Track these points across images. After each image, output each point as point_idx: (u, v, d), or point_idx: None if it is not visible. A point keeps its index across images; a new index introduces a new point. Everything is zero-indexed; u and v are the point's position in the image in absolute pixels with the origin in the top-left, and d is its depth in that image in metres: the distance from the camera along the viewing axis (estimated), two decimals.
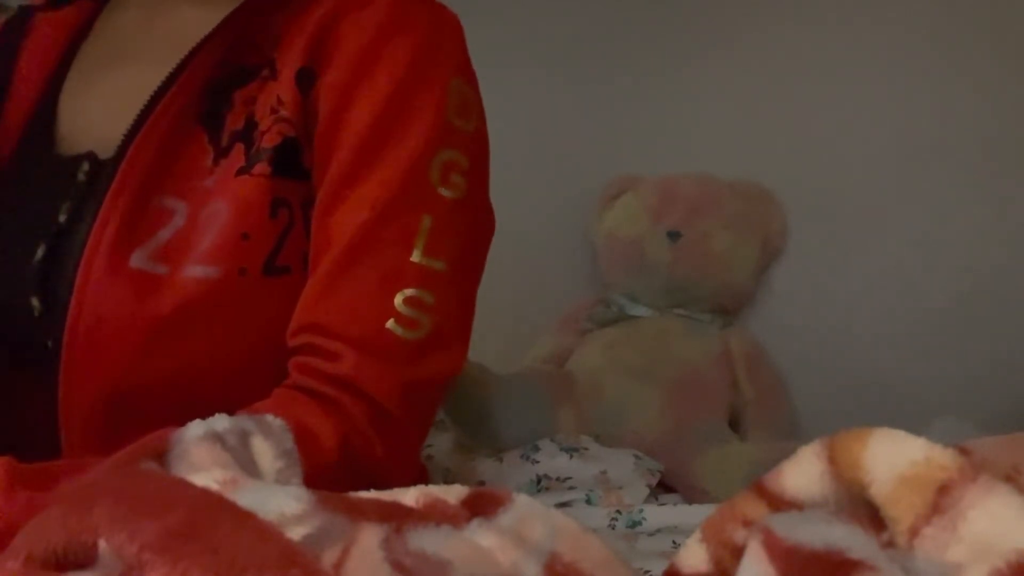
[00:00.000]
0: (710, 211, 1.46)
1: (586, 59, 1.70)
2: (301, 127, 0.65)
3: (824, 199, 1.52)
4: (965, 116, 1.43)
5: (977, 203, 1.42)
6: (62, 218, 0.63)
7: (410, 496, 0.33)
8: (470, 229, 0.67)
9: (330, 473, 0.56)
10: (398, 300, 0.61)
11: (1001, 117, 1.41)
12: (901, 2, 1.49)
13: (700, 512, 0.94)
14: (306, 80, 0.65)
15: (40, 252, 0.62)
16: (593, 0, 1.72)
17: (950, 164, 1.44)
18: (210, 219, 0.62)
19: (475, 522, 0.32)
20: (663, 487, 1.18)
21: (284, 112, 0.64)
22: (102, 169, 0.64)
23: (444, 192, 0.64)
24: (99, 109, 0.69)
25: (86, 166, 0.65)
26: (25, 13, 0.77)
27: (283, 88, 0.65)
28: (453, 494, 0.33)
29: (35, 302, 0.62)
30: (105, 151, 0.65)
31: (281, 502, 0.30)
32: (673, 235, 1.44)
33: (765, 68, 1.57)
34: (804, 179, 1.52)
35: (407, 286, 0.61)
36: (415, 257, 0.62)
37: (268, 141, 0.64)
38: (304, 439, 0.55)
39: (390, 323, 0.60)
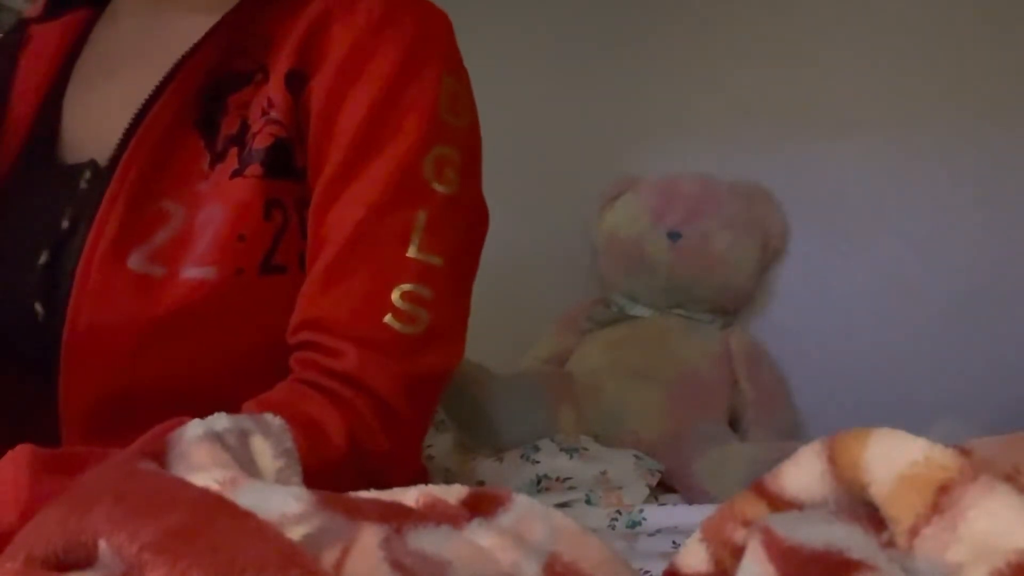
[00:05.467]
0: (710, 211, 1.46)
1: (586, 59, 1.70)
2: (293, 128, 0.65)
3: (824, 199, 1.52)
4: (965, 116, 1.43)
5: (977, 203, 1.42)
6: (64, 224, 0.63)
7: (410, 496, 0.33)
8: (465, 224, 0.67)
9: (339, 467, 0.56)
10: (395, 295, 0.61)
11: (1001, 118, 1.41)
12: (902, 2, 1.49)
13: (700, 512, 0.93)
14: (297, 82, 0.65)
15: (43, 258, 0.63)
16: (593, 0, 1.72)
17: (950, 164, 1.44)
18: (206, 222, 0.63)
19: (475, 522, 0.32)
20: (663, 487, 1.18)
21: (274, 114, 0.65)
22: (102, 175, 0.64)
23: (438, 188, 0.64)
24: (98, 117, 0.69)
25: (88, 174, 0.65)
26: (22, 25, 0.78)
27: (273, 90, 0.65)
28: (453, 494, 0.33)
29: (38, 307, 0.62)
30: (105, 157, 0.65)
31: (281, 502, 0.30)
32: (673, 235, 1.44)
33: (766, 68, 1.57)
34: (804, 179, 1.52)
35: (404, 281, 0.61)
36: (411, 252, 0.62)
37: (259, 143, 0.64)
38: (314, 433, 0.56)
39: (388, 318, 0.60)
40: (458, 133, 0.67)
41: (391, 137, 0.64)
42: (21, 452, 0.43)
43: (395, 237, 0.62)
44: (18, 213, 0.67)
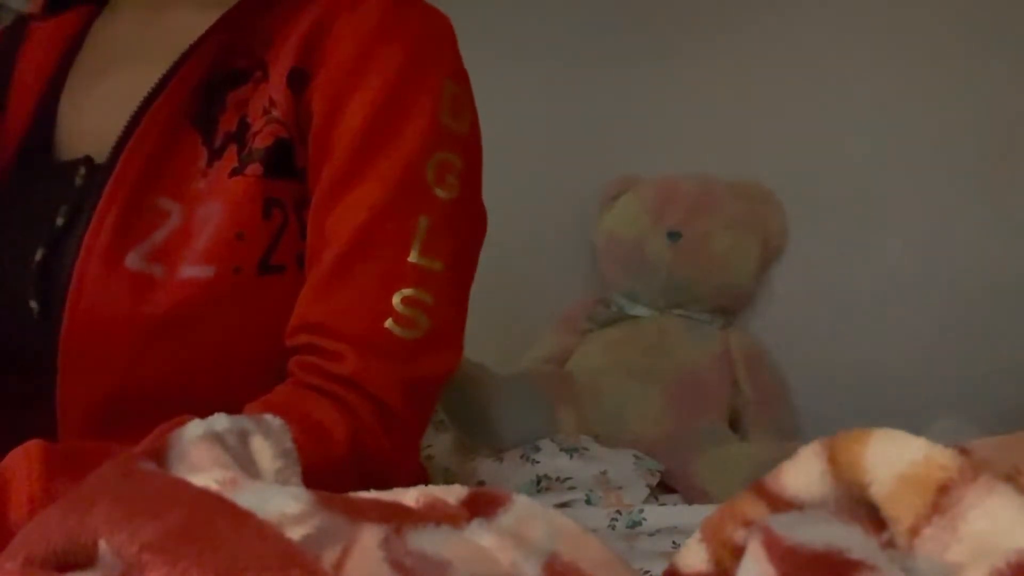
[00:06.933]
0: (710, 211, 1.46)
1: (585, 59, 1.70)
2: (294, 128, 0.65)
3: (824, 199, 1.52)
4: (965, 116, 1.43)
5: (977, 203, 1.42)
6: (60, 221, 0.63)
7: (410, 496, 0.33)
8: (465, 229, 0.68)
9: (342, 468, 0.57)
10: (396, 300, 0.61)
11: (1001, 117, 1.41)
12: (901, 2, 1.49)
13: (700, 512, 0.93)
14: (298, 81, 0.65)
15: (38, 255, 0.63)
16: (592, 1, 1.72)
17: (950, 164, 1.44)
18: (204, 220, 0.63)
19: (475, 522, 0.32)
20: (663, 487, 1.18)
21: (276, 113, 0.65)
22: (98, 172, 0.64)
23: (440, 193, 0.64)
24: (95, 114, 0.69)
25: (83, 170, 0.65)
26: (21, 22, 0.78)
27: (275, 89, 0.65)
28: (453, 494, 0.33)
29: (33, 304, 0.62)
30: (101, 155, 0.65)
31: (281, 502, 0.30)
32: (673, 235, 1.44)
33: (765, 67, 1.57)
34: (804, 179, 1.52)
35: (405, 286, 0.62)
36: (412, 258, 0.62)
37: (260, 142, 0.64)
38: (317, 435, 0.56)
39: (388, 323, 0.61)
40: (459, 138, 0.67)
41: (393, 141, 0.64)
42: (34, 448, 0.43)
43: (397, 242, 0.62)
44: (14, 210, 0.67)
